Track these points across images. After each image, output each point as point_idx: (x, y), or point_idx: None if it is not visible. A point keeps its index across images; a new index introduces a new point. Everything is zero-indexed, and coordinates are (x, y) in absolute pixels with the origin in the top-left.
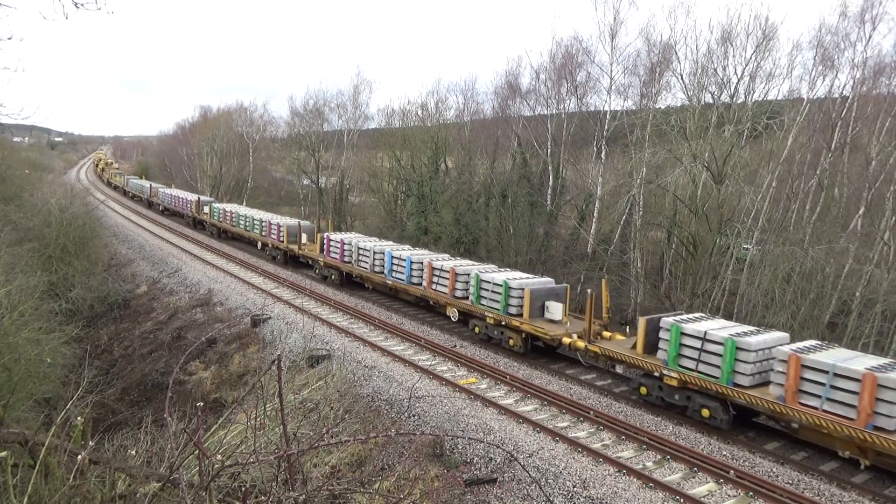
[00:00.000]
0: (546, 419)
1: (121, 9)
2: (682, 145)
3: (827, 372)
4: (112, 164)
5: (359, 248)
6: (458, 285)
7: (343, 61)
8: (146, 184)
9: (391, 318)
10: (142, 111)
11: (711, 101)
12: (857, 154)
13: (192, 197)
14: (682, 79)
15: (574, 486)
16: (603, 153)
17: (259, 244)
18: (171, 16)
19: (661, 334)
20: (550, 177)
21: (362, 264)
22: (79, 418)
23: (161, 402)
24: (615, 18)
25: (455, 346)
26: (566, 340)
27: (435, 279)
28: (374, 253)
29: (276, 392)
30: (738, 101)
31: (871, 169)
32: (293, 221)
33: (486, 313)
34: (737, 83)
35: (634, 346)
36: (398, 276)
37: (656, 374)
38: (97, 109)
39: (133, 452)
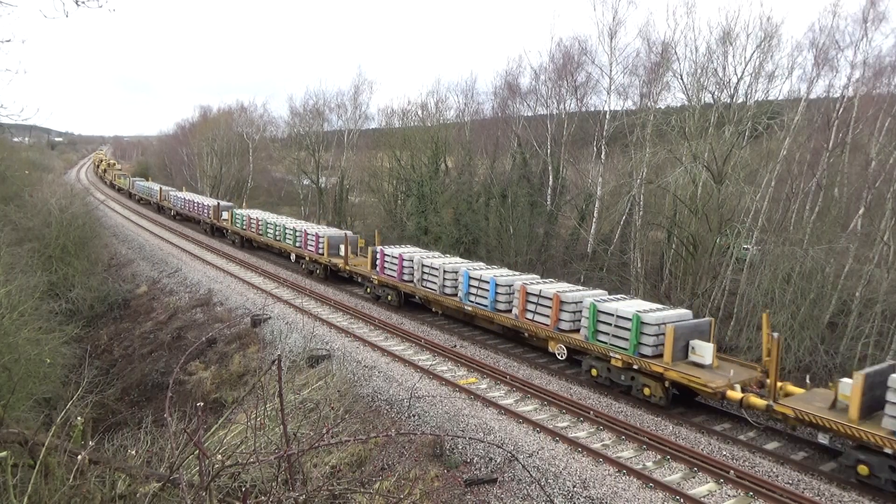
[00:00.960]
0: (546, 419)
1: (121, 8)
2: (682, 145)
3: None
4: (115, 164)
5: (423, 266)
6: (565, 315)
7: (343, 61)
8: (155, 186)
9: (391, 318)
10: (142, 111)
11: (711, 101)
12: (857, 154)
13: (210, 202)
14: (681, 79)
15: (574, 486)
16: (603, 153)
17: (292, 256)
18: (171, 16)
19: (890, 396)
20: (550, 177)
21: (429, 285)
22: (79, 418)
23: (161, 402)
24: (614, 18)
25: (455, 346)
26: (733, 395)
27: (530, 306)
28: (445, 272)
29: (276, 392)
30: (738, 102)
31: (871, 169)
32: (335, 232)
33: (610, 353)
34: (737, 83)
35: (834, 406)
36: (479, 301)
37: (888, 450)
38: (97, 109)
39: (133, 452)
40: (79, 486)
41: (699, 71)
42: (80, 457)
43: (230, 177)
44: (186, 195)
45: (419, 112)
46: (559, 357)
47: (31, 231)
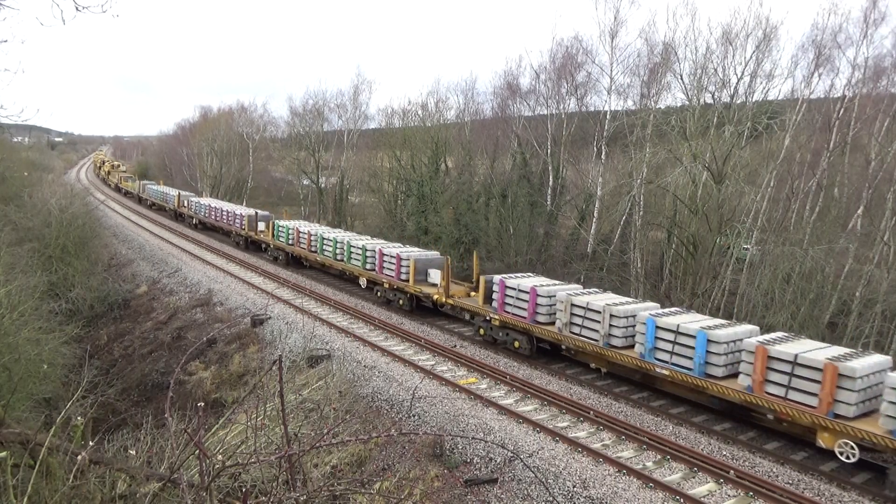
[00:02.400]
0: (546, 419)
1: (122, 10)
2: (682, 145)
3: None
4: (119, 166)
5: (575, 306)
6: (844, 395)
7: (343, 61)
8: (172, 191)
9: (391, 318)
10: (142, 111)
11: (711, 101)
12: (857, 154)
13: (244, 210)
14: (681, 79)
15: (574, 486)
16: (603, 153)
17: (362, 281)
18: (171, 16)
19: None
20: (550, 177)
21: (586, 332)
22: (79, 418)
23: (161, 403)
24: (615, 18)
25: (455, 346)
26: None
27: (774, 377)
28: (612, 316)
29: (277, 392)
30: (738, 102)
31: (871, 169)
32: (423, 252)
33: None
34: (737, 83)
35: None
36: (678, 363)
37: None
38: (97, 109)
39: (133, 452)
40: (79, 486)
41: (699, 71)
42: (80, 457)
43: (230, 177)
44: (212, 202)
45: (419, 112)
46: (848, 460)
47: (31, 231)
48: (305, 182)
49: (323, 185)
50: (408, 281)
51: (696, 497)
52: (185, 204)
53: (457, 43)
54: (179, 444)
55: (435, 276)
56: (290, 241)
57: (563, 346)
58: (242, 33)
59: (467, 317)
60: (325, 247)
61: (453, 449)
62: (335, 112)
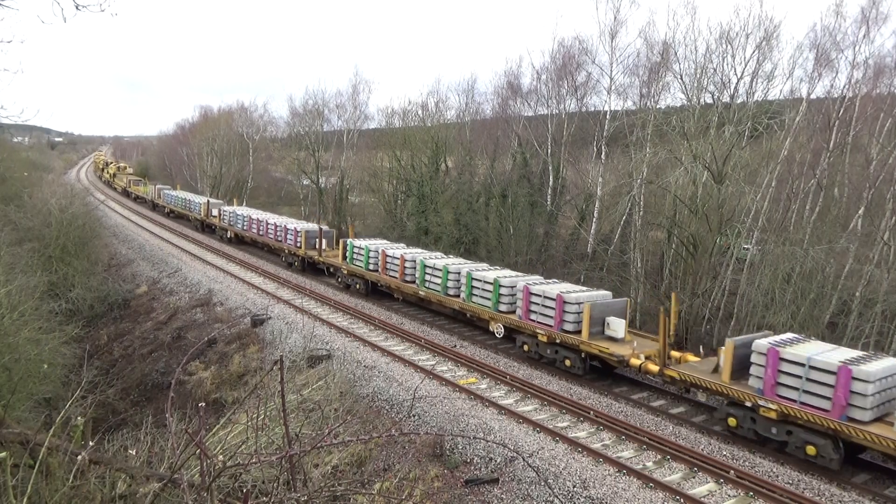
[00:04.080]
0: (546, 419)
1: (121, 9)
2: (682, 145)
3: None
4: (126, 167)
5: None
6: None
7: (343, 61)
8: (197, 199)
9: (391, 318)
10: (142, 111)
11: (711, 101)
12: (857, 154)
13: (299, 225)
14: (681, 79)
15: (574, 486)
16: (603, 153)
17: (497, 328)
18: (171, 16)
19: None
20: (550, 177)
21: None
22: (79, 418)
23: (161, 403)
24: (615, 18)
25: (455, 346)
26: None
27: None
28: None
29: (277, 392)
30: (738, 102)
31: (872, 169)
32: (593, 294)
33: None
34: (737, 83)
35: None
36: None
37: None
38: (97, 109)
39: (133, 453)
40: (79, 486)
41: (699, 71)
42: (80, 457)
43: (230, 177)
44: (253, 213)
45: (419, 112)
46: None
47: (31, 231)
48: (305, 182)
49: (323, 185)
50: (579, 333)
51: (696, 497)
52: (216, 214)
53: (457, 43)
54: (180, 444)
55: (617, 326)
56: (373, 267)
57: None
58: (243, 33)
59: (683, 389)
60: (430, 277)
61: (454, 449)
62: (335, 112)
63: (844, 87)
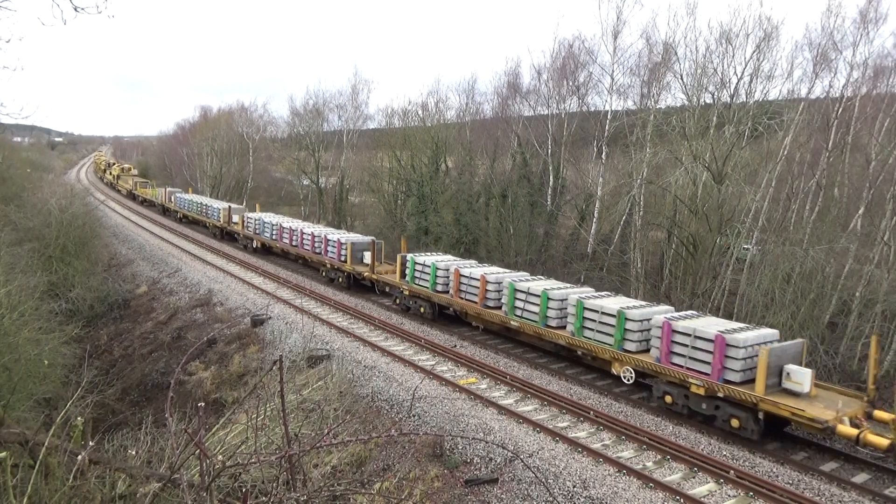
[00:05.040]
0: (546, 419)
1: (120, 9)
2: (682, 145)
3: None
4: (131, 168)
5: None
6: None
7: (344, 61)
8: (216, 204)
9: (391, 318)
10: (142, 111)
11: (711, 101)
12: (857, 154)
13: (339, 235)
14: (682, 79)
15: (574, 486)
16: (603, 153)
17: (625, 373)
18: (171, 15)
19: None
20: (551, 177)
21: None
22: (79, 418)
23: (161, 403)
24: (618, 18)
25: (455, 346)
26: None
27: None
28: None
29: (277, 392)
30: (738, 101)
31: (871, 169)
32: (757, 332)
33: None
34: (737, 83)
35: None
36: None
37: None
38: (97, 109)
39: (133, 453)
40: (79, 486)
41: (699, 71)
42: (80, 457)
43: (230, 177)
44: (284, 221)
45: (419, 112)
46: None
47: (31, 231)
48: (305, 182)
49: (323, 185)
50: (750, 385)
51: (696, 497)
52: (238, 220)
53: (457, 43)
54: (179, 444)
55: (801, 378)
56: (442, 288)
57: None
58: (243, 33)
59: None
60: (522, 303)
61: (453, 449)
62: (335, 112)
63: (844, 86)
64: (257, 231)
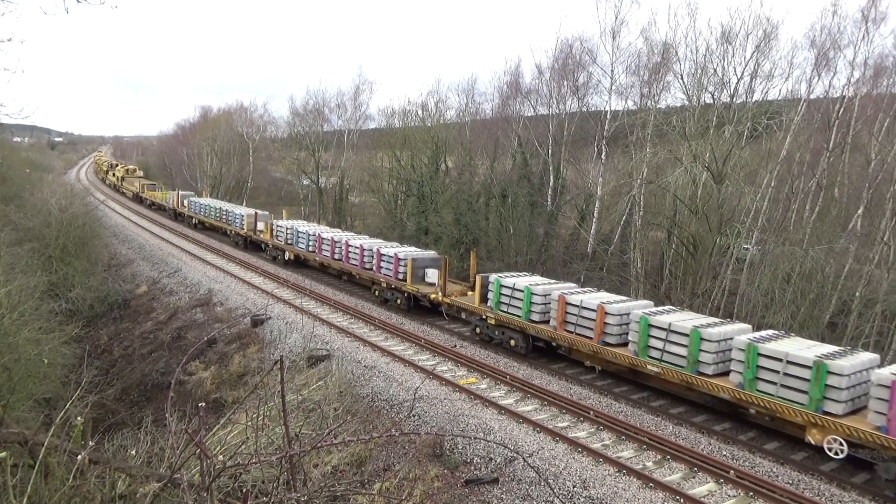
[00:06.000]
0: (546, 419)
1: (121, 8)
2: (682, 145)
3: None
4: (135, 170)
5: None
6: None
7: (343, 61)
8: (239, 210)
9: (391, 318)
10: (142, 111)
11: (711, 101)
12: (857, 154)
13: (395, 250)
14: (682, 79)
15: (574, 486)
16: (603, 153)
17: (831, 445)
18: (171, 15)
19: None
20: (551, 177)
21: None
22: (79, 418)
23: (161, 402)
24: (616, 17)
25: (455, 346)
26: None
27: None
28: None
29: (277, 392)
30: (738, 101)
31: (871, 169)
32: None
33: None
34: (737, 83)
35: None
36: None
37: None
38: (97, 109)
39: (133, 452)
40: (79, 486)
41: (699, 71)
42: (80, 457)
43: (230, 177)
44: (323, 231)
45: (419, 112)
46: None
47: (31, 231)
48: (305, 182)
49: (323, 185)
50: None
51: (696, 497)
52: (263, 228)
53: (457, 43)
54: (179, 444)
55: None
56: (540, 317)
57: None
58: (243, 33)
59: None
60: (660, 342)
61: (453, 449)
62: (335, 112)
63: (844, 86)
64: (289, 241)
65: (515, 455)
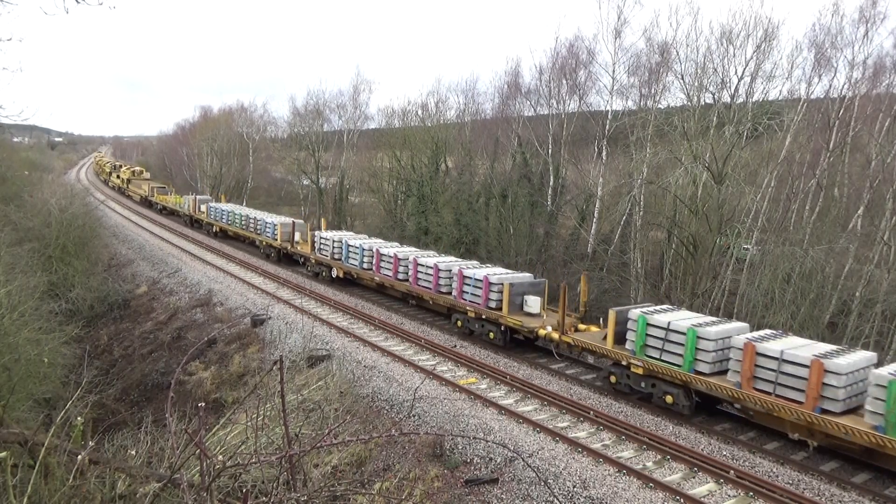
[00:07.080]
0: (546, 419)
1: (120, 8)
2: (682, 145)
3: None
4: (142, 171)
5: None
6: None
7: (343, 61)
8: (272, 219)
9: (391, 318)
10: (142, 111)
11: (712, 101)
12: (857, 154)
13: (483, 271)
14: (682, 79)
15: (574, 486)
16: (604, 153)
17: None
18: (171, 15)
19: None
20: (551, 177)
21: None
22: (79, 418)
23: (161, 403)
24: (619, 18)
25: (455, 346)
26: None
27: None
28: None
29: (277, 392)
30: (739, 102)
31: (871, 169)
32: None
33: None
34: (737, 83)
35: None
36: None
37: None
38: (97, 109)
39: (133, 453)
40: (79, 486)
41: (700, 71)
42: (80, 457)
43: (230, 177)
44: (382, 246)
45: (419, 112)
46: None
47: (31, 231)
48: (305, 182)
49: (323, 185)
50: None
51: (696, 497)
52: (299, 240)
53: (457, 43)
54: (179, 444)
55: None
56: (710, 368)
57: None
58: (243, 33)
59: None
60: (855, 391)
61: (453, 449)
62: (335, 112)
63: (844, 86)
64: (336, 256)
65: (515, 455)
